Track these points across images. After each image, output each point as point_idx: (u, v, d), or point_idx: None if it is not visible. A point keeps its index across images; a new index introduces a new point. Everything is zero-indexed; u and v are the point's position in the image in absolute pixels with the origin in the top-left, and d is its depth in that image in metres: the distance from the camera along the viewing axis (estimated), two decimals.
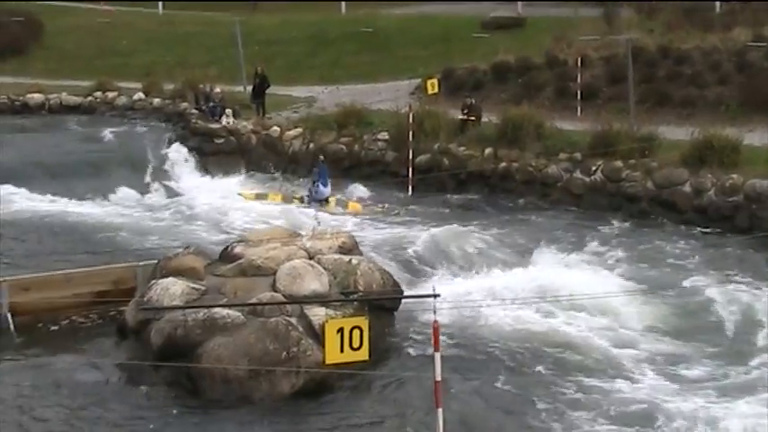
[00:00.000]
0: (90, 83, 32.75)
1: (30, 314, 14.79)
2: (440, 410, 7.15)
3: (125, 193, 24.45)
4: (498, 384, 12.74)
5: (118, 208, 23.47)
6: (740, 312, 15.34)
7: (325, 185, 23.26)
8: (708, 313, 15.50)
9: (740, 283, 16.61)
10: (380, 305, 14.34)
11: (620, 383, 12.95)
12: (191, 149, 27.18)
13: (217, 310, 12.92)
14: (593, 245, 19.00)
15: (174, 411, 11.97)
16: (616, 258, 18.32)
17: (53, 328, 14.78)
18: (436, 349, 7.00)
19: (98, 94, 32.02)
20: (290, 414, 11.77)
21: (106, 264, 16.18)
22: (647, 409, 12.07)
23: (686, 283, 16.76)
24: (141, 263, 15.45)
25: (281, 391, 12.30)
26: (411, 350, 13.91)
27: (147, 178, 25.71)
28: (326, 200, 23.09)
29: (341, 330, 7.25)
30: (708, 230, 19.99)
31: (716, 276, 16.96)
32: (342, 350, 7.29)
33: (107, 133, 28.12)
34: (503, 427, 11.55)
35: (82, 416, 11.93)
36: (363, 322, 7.32)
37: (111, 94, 31.95)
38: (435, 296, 7.25)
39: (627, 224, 20.53)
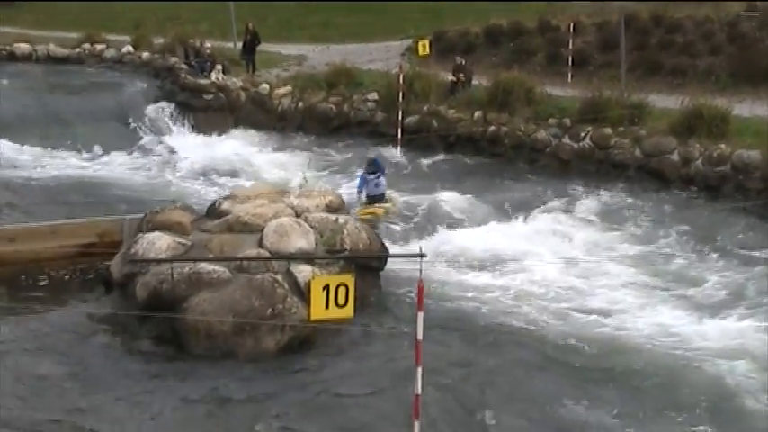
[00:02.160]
0: (79, 35, 32.54)
1: (15, 265, 14.77)
2: (419, 369, 7.24)
3: (111, 146, 24.34)
4: (481, 344, 12.84)
5: (103, 161, 23.45)
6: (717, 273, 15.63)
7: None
8: (688, 274, 15.75)
9: (721, 248, 16.80)
10: (366, 265, 14.38)
11: (603, 337, 13.18)
12: (179, 105, 27.10)
13: (203, 265, 12.94)
14: (580, 210, 19.12)
15: (159, 365, 11.99)
16: (602, 222, 18.47)
17: (38, 279, 14.77)
18: (420, 308, 7.06)
19: (86, 46, 31.82)
20: (275, 370, 11.83)
21: (92, 217, 16.15)
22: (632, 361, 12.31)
23: (671, 247, 16.98)
24: (128, 216, 15.41)
25: (266, 347, 12.36)
26: (396, 309, 13.99)
27: (134, 132, 25.64)
28: (383, 197, 19.13)
29: (327, 287, 7.32)
30: (695, 196, 20.16)
31: (699, 241, 17.19)
32: (327, 307, 7.36)
33: (94, 86, 27.97)
34: (483, 387, 11.63)
35: (64, 367, 11.93)
36: (349, 280, 7.38)
37: (99, 47, 31.76)
38: (422, 256, 7.31)
39: (614, 191, 20.60)
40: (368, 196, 18.87)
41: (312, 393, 11.12)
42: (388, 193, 19.26)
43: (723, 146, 20.42)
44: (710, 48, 27.23)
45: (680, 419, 10.84)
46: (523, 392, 11.50)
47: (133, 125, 25.89)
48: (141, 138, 25.41)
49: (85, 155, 23.75)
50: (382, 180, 18.96)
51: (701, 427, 10.65)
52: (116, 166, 23.06)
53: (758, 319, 13.56)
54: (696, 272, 15.78)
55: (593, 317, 13.84)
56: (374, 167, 19.08)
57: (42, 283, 14.73)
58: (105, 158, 23.71)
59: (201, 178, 22.16)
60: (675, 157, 21.01)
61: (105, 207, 17.90)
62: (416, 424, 7.38)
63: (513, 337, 13.03)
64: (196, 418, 10.41)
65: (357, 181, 19.38)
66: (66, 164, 22.86)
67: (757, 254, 16.49)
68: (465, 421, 10.46)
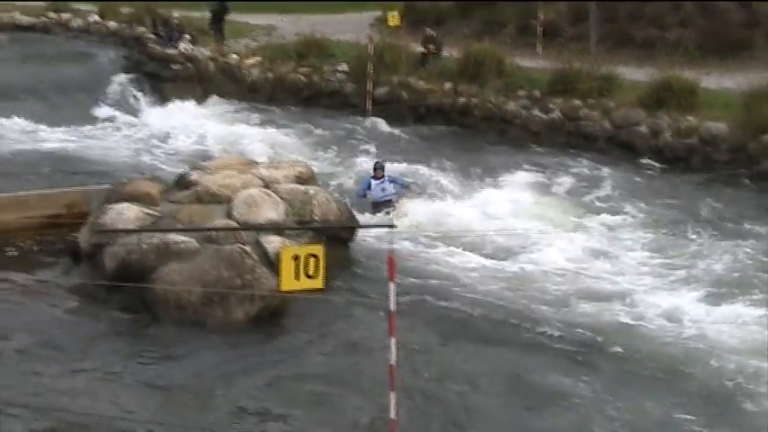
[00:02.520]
0: (44, 3, 32.07)
1: None
2: (393, 339, 7.23)
3: (77, 117, 24.05)
4: (452, 314, 12.88)
5: (69, 132, 23.17)
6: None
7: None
8: (657, 244, 15.89)
9: (689, 219, 16.98)
10: (336, 236, 14.35)
11: (566, 301, 13.38)
12: (147, 75, 26.84)
13: (171, 236, 12.85)
14: (550, 181, 19.21)
15: (128, 336, 11.91)
16: (571, 193, 18.57)
17: (5, 250, 14.62)
18: (391, 279, 7.05)
19: (52, 14, 31.36)
20: (244, 340, 11.79)
21: (59, 188, 16.00)
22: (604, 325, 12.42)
23: (639, 217, 17.16)
24: (95, 187, 15.28)
25: (236, 317, 12.31)
26: (366, 280, 13.98)
27: (101, 103, 25.36)
28: (390, 203, 17.48)
29: (297, 258, 7.30)
30: (664, 167, 20.31)
31: (666, 211, 17.35)
32: (297, 278, 7.35)
33: (61, 55, 27.64)
34: (454, 356, 11.68)
35: (31, 338, 11.79)
36: (319, 250, 7.36)
37: (65, 16, 31.31)
38: (391, 227, 7.31)
39: (584, 162, 20.69)
40: (372, 203, 17.47)
41: (282, 363, 11.11)
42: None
43: (691, 118, 20.59)
44: (680, 20, 27.32)
45: (666, 393, 10.90)
46: (498, 366, 11.48)
47: (100, 95, 25.60)
48: (108, 108, 25.15)
49: (51, 125, 23.43)
50: (390, 186, 17.57)
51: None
52: (82, 137, 22.81)
53: (726, 286, 13.78)
54: (664, 242, 15.90)
55: (562, 286, 13.95)
56: (381, 171, 17.64)
57: (9, 254, 14.58)
58: (71, 129, 23.41)
59: (170, 149, 21.99)
60: (644, 129, 21.16)
61: (72, 178, 17.74)
62: (392, 395, 7.36)
63: (483, 310, 13.05)
64: (165, 388, 10.35)
65: (361, 184, 18.01)
66: (31, 135, 22.58)
67: (728, 225, 16.64)
68: (443, 395, 10.44)
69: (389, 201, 17.36)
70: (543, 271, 14.57)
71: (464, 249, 15.27)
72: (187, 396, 10.20)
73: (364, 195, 17.60)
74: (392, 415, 6.71)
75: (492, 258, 15.00)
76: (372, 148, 21.56)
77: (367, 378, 10.69)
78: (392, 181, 17.66)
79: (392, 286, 7.02)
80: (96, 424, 9.28)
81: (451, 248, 15.30)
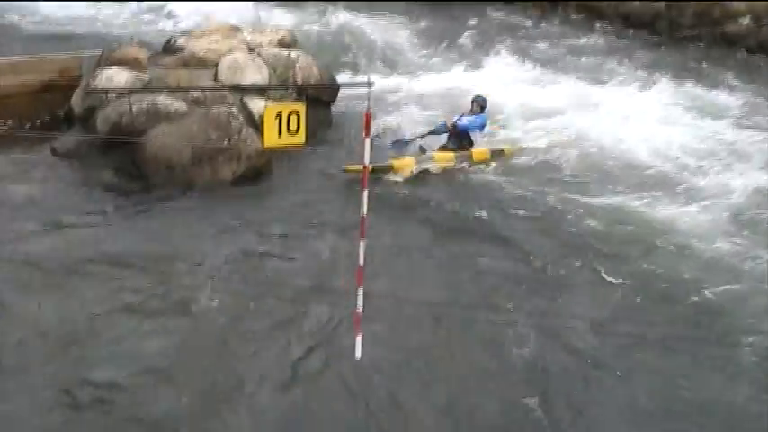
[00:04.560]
0: None
1: None
2: (365, 191, 7.36)
3: None
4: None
5: None
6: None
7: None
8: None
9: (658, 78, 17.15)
10: (318, 98, 14.40)
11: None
12: None
13: (161, 98, 12.86)
14: (520, 44, 19.16)
15: (120, 195, 12.00)
16: (542, 55, 18.58)
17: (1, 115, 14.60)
18: (366, 135, 7.15)
19: None
20: (232, 197, 11.95)
21: (51, 53, 15.84)
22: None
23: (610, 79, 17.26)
24: (86, 53, 15.15)
25: (223, 176, 12.45)
26: (345, 137, 14.15)
27: None
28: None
29: (279, 115, 7.34)
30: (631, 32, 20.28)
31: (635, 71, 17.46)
32: (280, 135, 7.40)
33: None
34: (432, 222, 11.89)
35: (25, 196, 11.93)
36: (301, 108, 7.40)
37: None
38: (369, 85, 7.33)
39: (551, 27, 20.58)
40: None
41: (267, 218, 11.30)
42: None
43: None
44: None
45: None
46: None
47: None
48: None
49: None
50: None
51: None
52: (71, 3, 22.36)
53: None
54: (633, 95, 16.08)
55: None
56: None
57: (5, 120, 14.55)
58: None
59: (157, 15, 21.65)
60: None
61: (63, 44, 17.50)
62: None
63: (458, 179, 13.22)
64: (155, 243, 10.50)
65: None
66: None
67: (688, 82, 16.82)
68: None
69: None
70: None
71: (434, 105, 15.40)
72: (176, 245, 10.38)
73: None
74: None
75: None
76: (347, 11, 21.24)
77: (340, 223, 11.02)
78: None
79: (367, 142, 7.15)
80: (89, 270, 9.45)
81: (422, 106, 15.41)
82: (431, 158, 13.54)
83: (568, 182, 12.90)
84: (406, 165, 13.22)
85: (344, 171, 12.57)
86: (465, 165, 13.58)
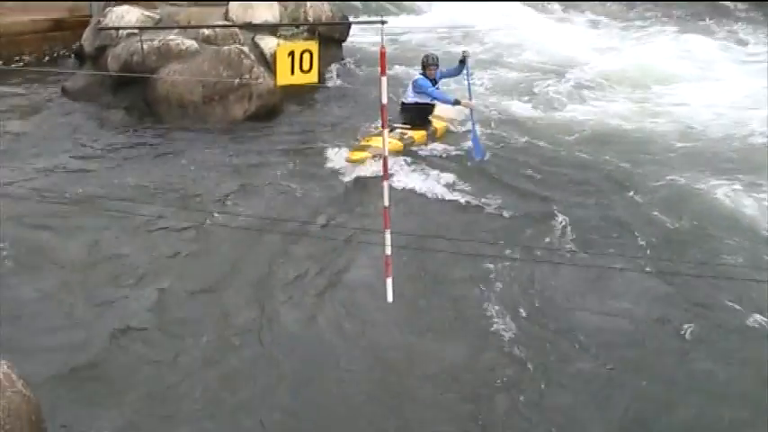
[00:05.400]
0: None
1: None
2: (386, 131, 7.20)
3: None
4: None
5: None
6: None
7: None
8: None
9: None
10: (330, 37, 14.17)
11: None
12: None
13: (172, 37, 12.65)
14: None
15: (132, 133, 11.83)
16: None
17: (13, 56, 14.44)
18: (383, 73, 6.91)
19: None
20: (243, 135, 11.73)
21: None
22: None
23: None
24: None
25: (235, 115, 12.26)
26: (359, 74, 13.94)
27: None
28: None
29: (291, 54, 7.15)
30: None
31: None
32: (292, 73, 7.22)
33: None
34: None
35: (40, 131, 11.78)
36: (313, 46, 7.20)
37: None
38: (383, 23, 7.12)
39: None
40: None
41: (280, 156, 11.09)
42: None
43: None
44: None
45: None
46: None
47: None
48: None
49: None
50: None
51: None
52: None
53: None
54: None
55: None
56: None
57: (17, 58, 14.42)
58: None
59: None
60: None
61: None
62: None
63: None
64: (167, 174, 10.33)
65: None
66: None
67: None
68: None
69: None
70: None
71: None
72: (187, 181, 10.21)
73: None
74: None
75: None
76: None
77: (356, 168, 10.70)
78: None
79: (384, 80, 6.91)
80: (100, 205, 9.31)
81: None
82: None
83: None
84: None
85: (349, 161, 10.52)
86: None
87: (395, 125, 11.07)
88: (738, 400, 6.53)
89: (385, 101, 7.05)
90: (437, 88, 11.30)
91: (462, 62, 11.48)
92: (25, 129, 11.80)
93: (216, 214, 9.21)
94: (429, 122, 11.55)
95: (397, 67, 13.94)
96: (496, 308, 7.63)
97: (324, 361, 6.93)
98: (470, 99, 11.27)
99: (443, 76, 11.64)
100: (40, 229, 8.80)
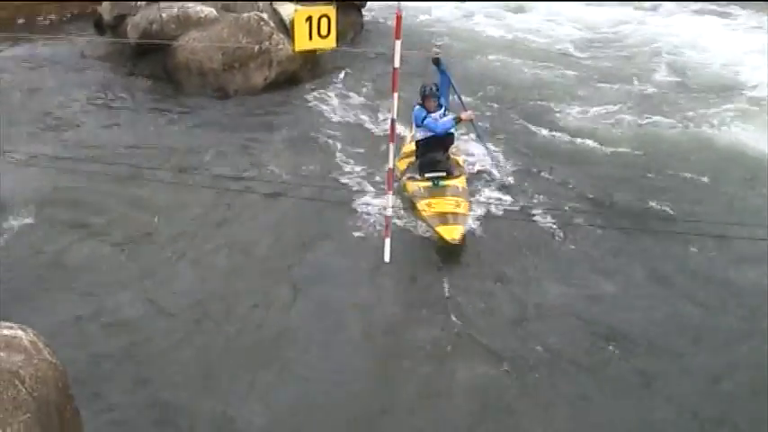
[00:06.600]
0: None
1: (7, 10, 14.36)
2: (395, 94, 7.09)
3: None
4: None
5: None
6: None
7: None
8: None
9: None
10: (349, 1, 13.98)
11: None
12: None
13: (190, 5, 12.51)
14: None
15: (154, 100, 11.78)
16: None
17: (35, 22, 14.38)
18: (397, 37, 6.81)
19: None
20: (264, 102, 11.63)
21: None
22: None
23: None
24: None
25: (255, 82, 12.14)
26: (375, 37, 13.78)
27: None
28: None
29: (309, 19, 7.01)
30: None
31: None
32: (310, 38, 7.09)
33: None
34: None
35: (62, 97, 11.78)
36: (331, 11, 7.06)
37: None
38: None
39: None
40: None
41: (297, 121, 11.00)
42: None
43: None
44: None
45: None
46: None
47: None
48: None
49: None
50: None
51: None
52: None
53: None
54: None
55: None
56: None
57: (39, 24, 14.35)
58: None
59: None
60: None
61: None
62: (391, 146, 7.30)
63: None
64: (189, 146, 10.24)
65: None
66: None
67: None
68: None
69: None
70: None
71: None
72: (207, 147, 10.14)
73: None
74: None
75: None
76: None
77: (371, 128, 10.77)
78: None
79: (398, 44, 6.81)
80: (115, 171, 9.26)
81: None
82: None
83: None
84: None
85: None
86: None
87: (431, 176, 8.76)
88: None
89: (397, 64, 6.96)
90: (435, 119, 8.80)
91: (437, 64, 8.97)
92: (47, 97, 11.75)
93: (236, 179, 9.16)
94: (456, 162, 9.21)
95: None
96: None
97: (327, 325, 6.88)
98: (464, 109, 9.17)
99: (442, 95, 9.02)
100: (58, 190, 8.79)
